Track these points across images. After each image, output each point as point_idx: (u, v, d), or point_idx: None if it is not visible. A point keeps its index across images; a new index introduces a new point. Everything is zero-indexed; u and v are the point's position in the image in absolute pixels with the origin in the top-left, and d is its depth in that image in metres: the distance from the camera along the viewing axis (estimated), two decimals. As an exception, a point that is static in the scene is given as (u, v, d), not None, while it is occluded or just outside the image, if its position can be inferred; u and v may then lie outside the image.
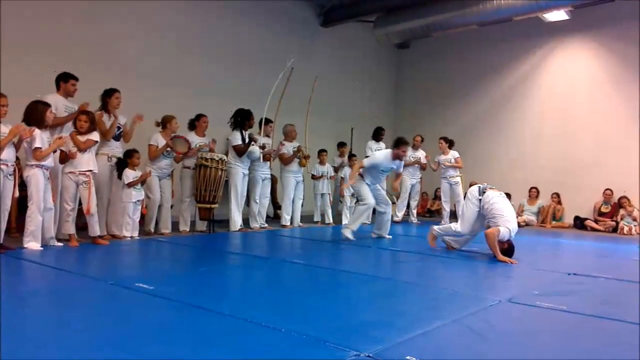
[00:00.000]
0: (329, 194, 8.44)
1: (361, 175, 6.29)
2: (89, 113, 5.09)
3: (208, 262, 4.73)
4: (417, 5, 9.45)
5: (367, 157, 8.70)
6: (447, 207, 8.83)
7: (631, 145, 9.30)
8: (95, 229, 5.07)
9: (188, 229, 6.50)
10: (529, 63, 10.71)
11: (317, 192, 8.40)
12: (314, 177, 8.33)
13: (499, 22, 9.40)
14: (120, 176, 5.54)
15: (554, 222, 9.76)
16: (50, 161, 4.73)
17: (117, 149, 5.71)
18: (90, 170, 4.99)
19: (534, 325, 2.82)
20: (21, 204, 4.93)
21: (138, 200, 5.64)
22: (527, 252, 5.51)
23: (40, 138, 4.56)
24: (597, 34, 9.90)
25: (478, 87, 11.36)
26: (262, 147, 7.08)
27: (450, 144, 8.86)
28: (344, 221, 8.35)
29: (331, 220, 8.36)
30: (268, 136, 7.35)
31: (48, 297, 3.11)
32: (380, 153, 6.64)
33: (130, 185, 5.53)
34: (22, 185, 4.73)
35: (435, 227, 5.60)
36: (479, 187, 5.29)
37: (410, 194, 9.10)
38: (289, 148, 7.62)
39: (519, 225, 9.39)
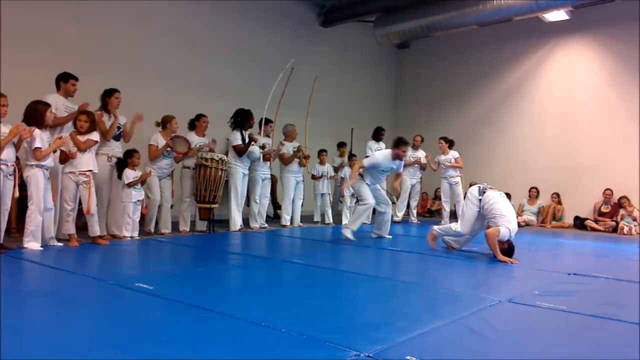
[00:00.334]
0: (329, 194, 8.44)
1: (361, 176, 6.29)
2: (89, 113, 5.09)
3: (208, 262, 4.73)
4: (417, 5, 9.45)
5: (367, 157, 8.73)
6: (447, 207, 8.83)
7: (631, 145, 9.31)
8: (95, 229, 5.07)
9: (188, 229, 6.50)
10: (529, 63, 10.72)
11: (317, 192, 8.40)
12: (314, 177, 8.33)
13: (498, 22, 9.40)
14: (120, 176, 5.55)
15: (554, 222, 9.76)
16: (50, 161, 4.73)
17: (117, 149, 5.71)
18: (90, 170, 4.99)
19: (534, 326, 2.81)
20: (21, 204, 4.93)
21: (138, 200, 5.64)
22: (527, 252, 5.51)
23: (40, 138, 4.56)
24: (597, 34, 9.90)
25: (478, 87, 11.37)
26: (262, 147, 7.09)
27: (451, 144, 8.86)
28: (344, 221, 8.35)
29: (331, 221, 8.37)
30: (268, 136, 7.36)
31: (48, 297, 3.11)
32: (380, 153, 6.63)
33: (130, 185, 5.54)
34: (22, 186, 4.73)
35: (436, 227, 5.60)
36: (479, 187, 5.29)
37: (410, 194, 9.10)
38: (289, 148, 7.62)
39: (519, 225, 9.41)
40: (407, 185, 8.96)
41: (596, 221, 9.25)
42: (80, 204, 5.09)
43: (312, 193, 8.47)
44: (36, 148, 4.54)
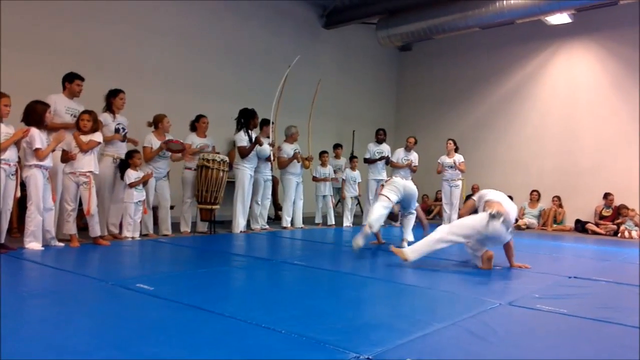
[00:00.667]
0: (330, 195, 8.44)
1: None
2: (91, 112, 5.07)
3: (209, 263, 4.73)
4: (420, 7, 9.47)
5: (365, 158, 8.73)
6: (447, 210, 8.81)
7: (633, 148, 9.30)
8: (96, 230, 5.07)
9: (189, 230, 6.50)
10: (531, 66, 10.72)
11: (318, 193, 8.39)
12: (315, 179, 8.33)
13: (501, 25, 9.42)
14: (122, 177, 5.55)
15: (555, 225, 9.75)
16: (49, 161, 4.72)
17: (122, 150, 5.73)
18: (91, 172, 4.99)
19: (534, 329, 2.81)
20: (22, 204, 4.93)
21: (139, 201, 5.64)
22: (528, 255, 5.50)
23: (40, 138, 4.57)
24: (600, 37, 9.91)
25: (480, 89, 11.37)
26: (272, 144, 7.06)
27: (456, 149, 8.87)
28: (345, 223, 8.36)
29: (333, 222, 8.36)
30: (268, 137, 7.35)
31: (49, 298, 3.11)
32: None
33: (132, 185, 5.54)
34: (22, 186, 4.73)
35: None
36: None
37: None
38: (288, 151, 7.62)
39: (520, 228, 9.49)
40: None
41: (597, 224, 9.24)
42: (80, 204, 5.09)
43: (313, 195, 8.47)
44: (37, 149, 4.54)
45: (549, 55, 10.51)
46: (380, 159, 8.61)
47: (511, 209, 4.67)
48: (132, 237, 5.60)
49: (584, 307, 3.27)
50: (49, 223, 4.83)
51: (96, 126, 5.05)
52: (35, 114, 4.62)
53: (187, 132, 6.60)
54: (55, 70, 5.35)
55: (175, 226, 6.48)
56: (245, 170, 6.77)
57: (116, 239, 5.54)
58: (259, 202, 7.18)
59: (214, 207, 6.40)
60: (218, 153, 6.73)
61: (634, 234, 8.64)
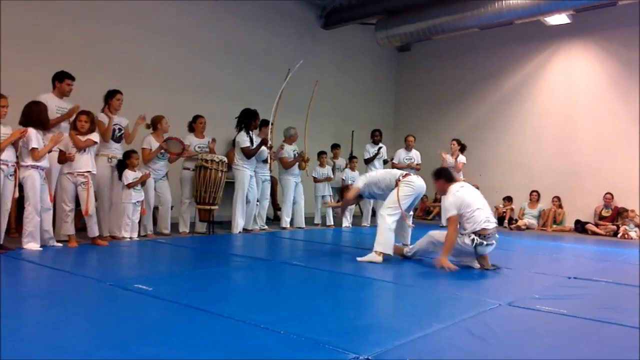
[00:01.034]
0: (330, 195, 8.43)
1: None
2: (89, 113, 5.06)
3: (207, 263, 4.72)
4: (418, 8, 9.47)
5: (365, 158, 8.73)
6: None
7: (632, 149, 9.30)
8: (94, 230, 5.06)
9: (188, 231, 6.49)
10: (530, 66, 10.72)
11: (317, 194, 8.39)
12: (316, 180, 8.32)
13: (500, 26, 9.42)
14: (120, 177, 5.54)
15: (554, 226, 9.75)
16: (45, 162, 4.70)
17: (117, 150, 5.70)
18: (89, 172, 4.98)
19: (534, 329, 2.81)
20: (20, 205, 4.92)
21: (138, 201, 5.63)
22: (527, 256, 5.50)
23: (37, 138, 4.55)
24: (599, 38, 9.91)
25: (479, 90, 11.37)
26: (270, 147, 7.06)
27: (462, 149, 8.88)
28: (344, 224, 8.35)
29: (332, 223, 8.35)
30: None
31: (47, 298, 3.10)
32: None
33: (130, 186, 5.53)
34: (20, 186, 4.71)
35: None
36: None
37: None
38: (289, 151, 7.61)
39: (520, 229, 9.49)
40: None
41: (597, 225, 9.24)
42: (78, 205, 5.08)
43: (312, 195, 8.46)
44: (33, 148, 4.53)
45: (548, 56, 10.51)
46: (377, 154, 8.67)
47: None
48: (131, 238, 5.59)
49: (583, 308, 3.27)
50: (47, 223, 4.82)
51: (93, 127, 5.05)
52: (34, 114, 4.61)
53: (179, 131, 6.57)
54: (55, 70, 5.33)
55: (174, 226, 6.47)
56: (245, 171, 6.76)
57: (114, 239, 5.53)
58: (258, 203, 7.15)
59: (212, 207, 6.39)
60: (219, 155, 6.71)
61: (633, 234, 8.64)
